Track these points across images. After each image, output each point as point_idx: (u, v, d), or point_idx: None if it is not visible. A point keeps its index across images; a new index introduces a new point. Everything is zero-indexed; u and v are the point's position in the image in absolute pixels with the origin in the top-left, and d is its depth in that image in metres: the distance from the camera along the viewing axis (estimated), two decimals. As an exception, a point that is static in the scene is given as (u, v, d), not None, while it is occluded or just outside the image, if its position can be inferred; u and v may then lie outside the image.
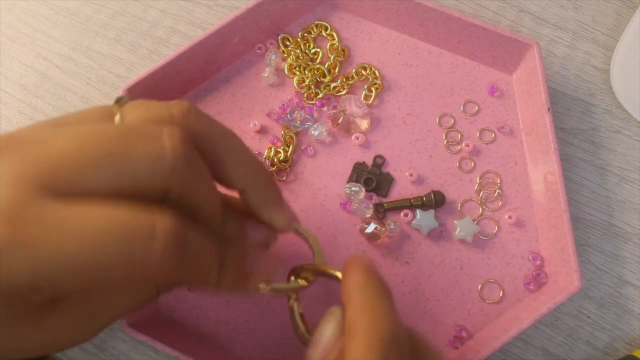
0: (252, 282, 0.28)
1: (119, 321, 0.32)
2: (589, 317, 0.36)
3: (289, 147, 0.38)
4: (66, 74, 0.42)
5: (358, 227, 0.36)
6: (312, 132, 0.38)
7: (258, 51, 0.41)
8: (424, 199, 0.37)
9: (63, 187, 0.22)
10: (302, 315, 0.29)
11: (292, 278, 0.30)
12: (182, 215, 0.24)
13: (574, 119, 0.40)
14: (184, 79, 0.39)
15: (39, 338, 0.25)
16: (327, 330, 0.26)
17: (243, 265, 0.28)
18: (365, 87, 0.40)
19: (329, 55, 0.41)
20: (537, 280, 0.35)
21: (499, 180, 0.38)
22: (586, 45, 0.42)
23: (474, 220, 0.36)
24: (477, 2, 0.43)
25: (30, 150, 0.23)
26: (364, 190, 0.37)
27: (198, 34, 0.38)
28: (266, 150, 0.38)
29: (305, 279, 0.30)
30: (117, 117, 0.25)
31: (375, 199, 0.37)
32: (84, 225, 0.22)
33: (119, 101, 0.26)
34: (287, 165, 0.38)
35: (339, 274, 0.28)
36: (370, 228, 0.35)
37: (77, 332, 0.27)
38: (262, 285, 0.28)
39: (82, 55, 0.42)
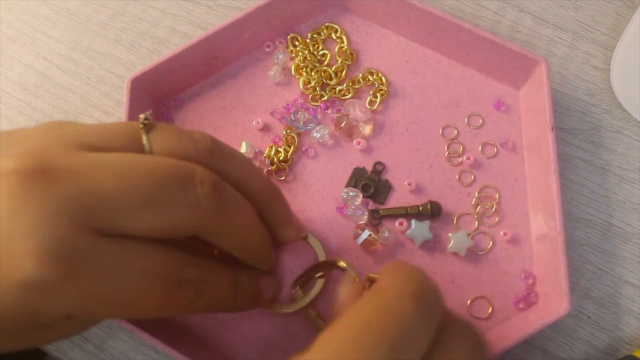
0: (262, 301, 0.32)
1: (119, 321, 0.33)
2: (589, 317, 0.36)
3: (290, 147, 0.38)
4: (66, 74, 0.42)
5: (352, 232, 0.36)
6: (314, 134, 0.38)
7: (267, 49, 0.41)
8: (420, 208, 0.37)
9: (107, 226, 0.24)
10: (319, 317, 0.34)
11: (297, 288, 0.34)
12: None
13: (574, 119, 0.40)
14: (191, 72, 0.39)
15: (37, 338, 0.26)
16: (343, 288, 0.29)
17: (256, 287, 0.32)
18: (371, 92, 0.40)
19: (337, 58, 0.40)
20: (528, 299, 0.35)
21: (497, 195, 0.37)
22: (586, 45, 0.42)
23: (468, 235, 0.36)
24: (477, 2, 0.43)
25: (74, 183, 0.23)
26: (361, 195, 0.37)
27: (198, 34, 0.38)
28: (267, 149, 0.38)
29: (302, 285, 0.34)
30: (145, 143, 0.26)
31: (372, 205, 0.37)
32: (131, 265, 0.24)
33: (144, 123, 0.27)
34: (286, 165, 0.38)
35: (341, 263, 0.33)
36: (364, 235, 0.35)
37: (76, 332, 0.31)
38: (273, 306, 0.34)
39: (82, 55, 0.42)
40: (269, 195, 0.31)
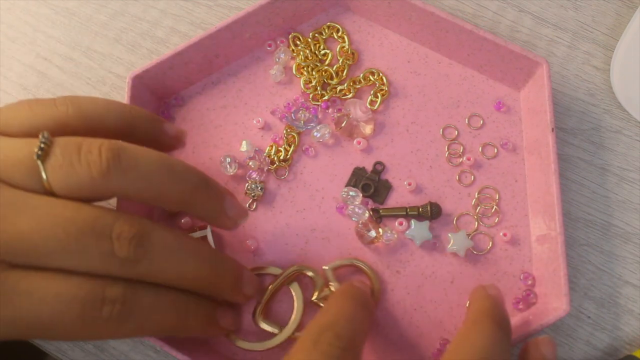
0: (218, 329, 0.32)
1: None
2: (589, 317, 0.36)
3: (290, 146, 0.38)
4: (66, 74, 0.42)
5: (356, 227, 0.36)
6: (315, 134, 0.38)
7: (268, 48, 0.41)
8: (420, 209, 0.37)
9: (21, 261, 0.25)
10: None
11: (260, 317, 0.35)
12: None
13: (574, 119, 0.40)
14: (192, 70, 0.39)
15: None
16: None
17: (212, 313, 0.32)
18: (372, 92, 0.40)
19: (338, 58, 0.40)
20: (527, 300, 0.35)
21: (497, 196, 0.38)
22: (586, 45, 0.42)
23: (468, 235, 0.36)
24: (477, 2, 0.43)
25: None
26: (361, 195, 0.37)
27: (198, 34, 0.38)
28: (267, 148, 0.38)
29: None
30: (44, 180, 0.26)
31: (372, 204, 0.37)
32: (44, 290, 0.25)
33: (42, 148, 0.26)
34: (287, 165, 0.38)
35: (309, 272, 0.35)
36: (372, 234, 0.35)
37: None
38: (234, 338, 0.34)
39: (82, 55, 0.42)
40: (188, 197, 0.30)
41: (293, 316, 0.34)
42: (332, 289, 0.34)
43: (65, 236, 0.25)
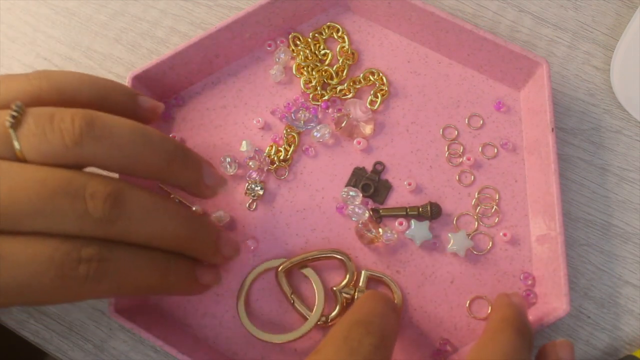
0: (198, 287, 0.32)
1: (119, 321, 0.32)
2: (589, 317, 0.36)
3: (290, 146, 0.38)
4: None
5: (356, 227, 0.36)
6: (315, 134, 0.38)
7: (268, 48, 0.41)
8: (420, 209, 0.37)
9: None
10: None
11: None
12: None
13: (574, 119, 0.40)
14: (192, 70, 0.39)
15: None
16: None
17: (192, 271, 0.32)
18: (372, 92, 0.40)
19: (338, 58, 0.40)
20: (527, 300, 0.35)
21: (497, 196, 0.38)
22: (586, 45, 0.42)
23: (468, 235, 0.36)
24: (477, 2, 0.43)
25: None
26: (360, 195, 0.37)
27: (198, 34, 0.38)
28: (267, 148, 0.38)
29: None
30: (16, 148, 0.26)
31: (372, 204, 0.37)
32: (20, 253, 0.25)
33: (14, 117, 0.26)
34: (287, 165, 0.38)
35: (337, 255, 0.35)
36: (372, 233, 0.35)
37: None
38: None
39: (82, 55, 0.42)
40: (165, 166, 0.29)
41: (316, 306, 0.34)
42: (358, 290, 0.34)
43: (38, 198, 0.25)
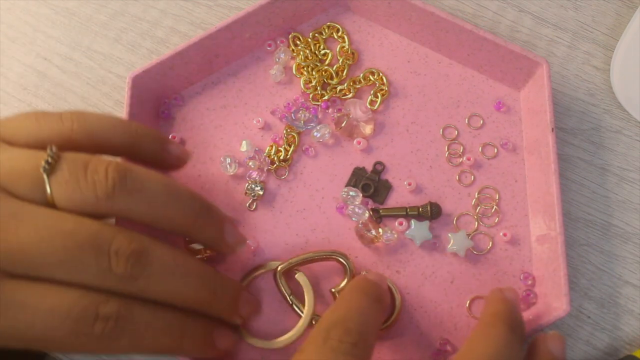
0: (214, 351, 0.31)
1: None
2: (589, 317, 0.36)
3: (290, 146, 0.38)
4: (66, 74, 0.42)
5: (356, 227, 0.36)
6: (315, 134, 0.38)
7: (268, 48, 0.41)
8: (420, 209, 0.37)
9: (19, 271, 0.25)
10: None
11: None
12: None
13: (574, 119, 0.40)
14: (192, 70, 0.39)
15: None
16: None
17: (209, 335, 0.31)
18: (372, 92, 0.40)
19: (338, 58, 0.40)
20: (527, 300, 0.35)
21: (497, 196, 0.38)
22: (586, 45, 0.42)
23: (468, 235, 0.36)
24: (477, 2, 0.43)
25: None
26: (360, 195, 0.37)
27: (198, 34, 0.38)
28: (267, 148, 0.38)
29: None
30: (48, 194, 0.27)
31: (372, 205, 0.37)
32: (38, 302, 0.25)
33: (49, 163, 0.27)
34: (287, 165, 0.38)
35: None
36: (372, 233, 0.35)
37: None
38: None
39: (82, 55, 0.42)
40: (190, 222, 0.30)
41: (305, 312, 0.34)
42: None
43: (64, 249, 0.25)
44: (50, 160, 0.27)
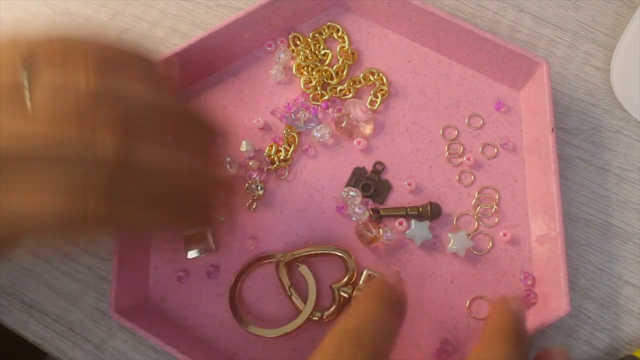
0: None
1: (119, 321, 0.33)
2: (589, 317, 0.36)
3: (290, 146, 0.38)
4: None
5: (356, 227, 0.36)
6: (315, 134, 0.38)
7: (268, 48, 0.41)
8: (420, 209, 0.37)
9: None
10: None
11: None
12: None
13: (574, 119, 0.40)
14: (192, 71, 0.39)
15: None
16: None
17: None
18: (372, 92, 0.40)
19: (338, 58, 0.40)
20: (527, 300, 0.35)
21: (497, 196, 0.38)
22: (586, 45, 0.42)
23: (468, 235, 0.36)
24: (477, 2, 0.43)
25: None
26: (361, 195, 0.37)
27: (198, 34, 0.38)
28: (267, 148, 0.38)
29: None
30: (26, 95, 0.25)
31: (372, 205, 0.37)
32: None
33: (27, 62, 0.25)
34: (287, 165, 0.38)
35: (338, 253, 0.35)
36: (372, 233, 0.35)
37: None
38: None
39: (82, 55, 0.42)
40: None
41: (308, 301, 0.34)
42: (357, 290, 0.34)
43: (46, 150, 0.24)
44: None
